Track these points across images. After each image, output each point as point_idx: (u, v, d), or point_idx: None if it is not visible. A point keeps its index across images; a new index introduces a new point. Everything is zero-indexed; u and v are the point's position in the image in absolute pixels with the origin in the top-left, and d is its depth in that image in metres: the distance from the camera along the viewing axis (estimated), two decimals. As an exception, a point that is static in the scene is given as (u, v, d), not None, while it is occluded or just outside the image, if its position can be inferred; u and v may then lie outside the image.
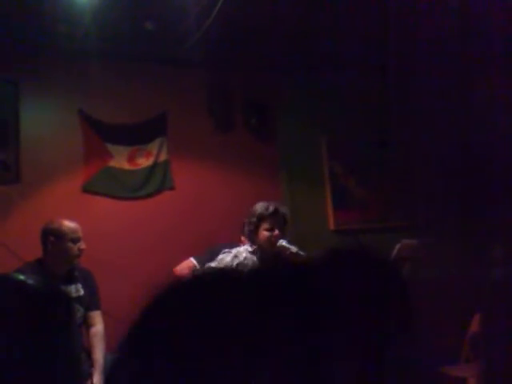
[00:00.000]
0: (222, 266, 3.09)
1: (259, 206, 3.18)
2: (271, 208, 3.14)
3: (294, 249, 3.14)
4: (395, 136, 5.04)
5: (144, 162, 4.41)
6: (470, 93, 4.81)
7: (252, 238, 3.18)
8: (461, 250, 4.68)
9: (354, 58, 4.42)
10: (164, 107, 4.50)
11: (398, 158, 5.09)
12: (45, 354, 0.93)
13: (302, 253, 3.11)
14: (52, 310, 1.00)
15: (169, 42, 4.08)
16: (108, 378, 0.57)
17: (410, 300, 0.56)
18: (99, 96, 4.26)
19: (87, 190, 4.21)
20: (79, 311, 3.17)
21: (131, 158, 4.37)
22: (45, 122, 4.17)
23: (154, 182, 4.43)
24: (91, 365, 3.15)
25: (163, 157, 4.47)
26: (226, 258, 3.15)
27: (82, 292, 3.24)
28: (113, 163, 4.30)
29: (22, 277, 1.07)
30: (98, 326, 3.28)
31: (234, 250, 3.19)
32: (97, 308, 3.33)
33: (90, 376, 3.09)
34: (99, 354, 3.18)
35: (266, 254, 3.15)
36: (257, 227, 3.14)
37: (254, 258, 3.16)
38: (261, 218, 3.13)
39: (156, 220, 4.37)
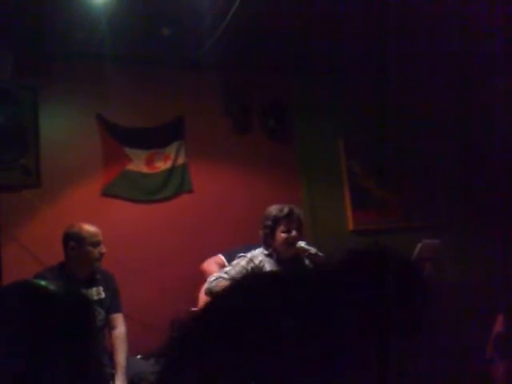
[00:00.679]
0: (237, 269, 3.08)
1: (273, 209, 3.16)
2: (286, 210, 3.12)
3: (313, 250, 3.13)
4: (408, 134, 5.02)
5: (162, 166, 4.43)
6: (470, 93, 4.78)
7: (267, 242, 3.16)
8: (481, 249, 4.63)
9: (370, 58, 4.39)
10: (181, 110, 4.51)
11: (414, 158, 5.06)
12: (67, 360, 0.94)
13: (320, 254, 3.10)
14: (73, 315, 1.00)
15: (185, 46, 4.10)
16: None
17: (433, 301, 0.55)
18: (117, 100, 4.29)
19: (106, 193, 4.24)
20: (100, 314, 3.20)
21: (149, 162, 4.39)
22: (64, 127, 4.21)
23: (172, 185, 4.44)
24: (113, 367, 3.17)
25: (181, 160, 4.49)
26: (241, 262, 3.13)
27: (103, 295, 3.26)
28: (131, 167, 4.33)
29: (43, 283, 1.08)
30: (119, 328, 3.31)
31: (249, 254, 3.17)
32: (118, 310, 3.35)
33: (113, 378, 3.11)
34: (121, 356, 3.20)
35: (284, 256, 3.13)
36: (273, 230, 3.12)
37: (271, 261, 3.14)
38: (276, 221, 3.11)
39: (175, 223, 4.39)
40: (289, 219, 3.10)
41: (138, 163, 4.35)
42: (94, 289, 3.24)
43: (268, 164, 4.74)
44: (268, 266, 3.11)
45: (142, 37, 3.95)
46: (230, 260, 3.41)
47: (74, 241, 3.18)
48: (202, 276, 3.61)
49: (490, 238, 4.56)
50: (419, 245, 3.97)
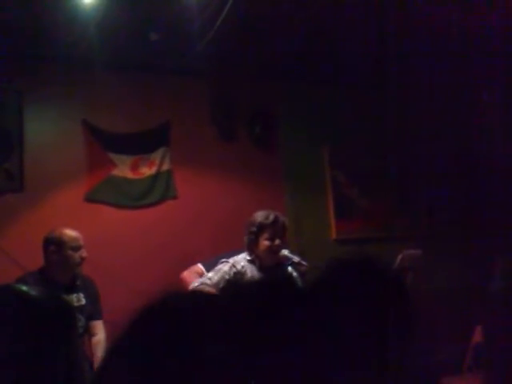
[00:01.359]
0: (219, 275, 3.08)
1: (259, 215, 3.15)
2: (271, 217, 3.12)
3: (296, 258, 3.13)
4: (393, 145, 5.06)
5: (147, 171, 4.42)
6: (469, 101, 4.84)
7: (251, 248, 3.16)
8: (462, 260, 4.68)
9: (357, 69, 4.43)
10: (167, 117, 4.51)
11: (398, 168, 5.11)
12: (47, 365, 0.94)
13: (304, 262, 3.10)
14: (54, 321, 1.00)
15: (172, 52, 4.10)
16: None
17: (412, 309, 0.56)
18: (102, 105, 4.28)
19: (90, 198, 4.22)
20: (80, 321, 3.17)
21: (134, 167, 4.38)
22: (48, 132, 4.18)
23: (157, 191, 4.43)
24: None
25: (166, 166, 4.48)
26: (223, 268, 3.13)
27: (83, 301, 3.23)
28: (116, 172, 4.31)
29: (24, 288, 1.07)
30: (99, 335, 3.28)
31: (232, 260, 3.16)
32: (99, 317, 3.32)
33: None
34: (101, 363, 3.17)
35: (266, 263, 3.14)
36: (257, 236, 3.12)
37: (253, 268, 3.14)
38: (261, 228, 3.11)
39: (159, 229, 4.37)
40: (273, 227, 3.10)
41: (123, 168, 4.33)
42: (75, 295, 3.21)
43: (253, 172, 4.75)
44: (250, 272, 3.11)
45: (129, 42, 3.94)
46: (208, 269, 3.40)
47: (54, 245, 3.15)
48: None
49: (471, 249, 4.61)
50: (400, 255, 4.00)
